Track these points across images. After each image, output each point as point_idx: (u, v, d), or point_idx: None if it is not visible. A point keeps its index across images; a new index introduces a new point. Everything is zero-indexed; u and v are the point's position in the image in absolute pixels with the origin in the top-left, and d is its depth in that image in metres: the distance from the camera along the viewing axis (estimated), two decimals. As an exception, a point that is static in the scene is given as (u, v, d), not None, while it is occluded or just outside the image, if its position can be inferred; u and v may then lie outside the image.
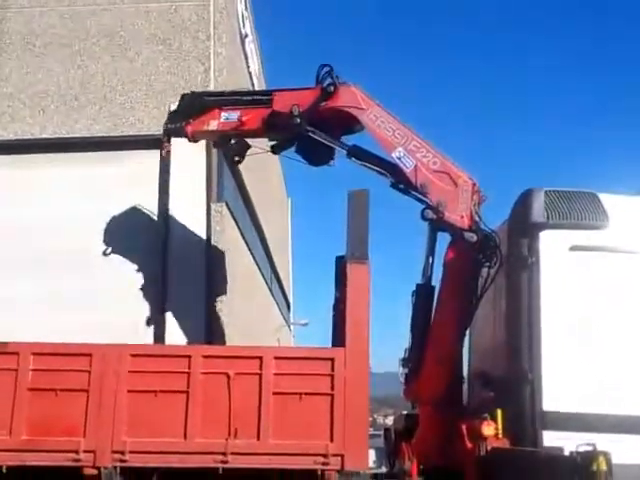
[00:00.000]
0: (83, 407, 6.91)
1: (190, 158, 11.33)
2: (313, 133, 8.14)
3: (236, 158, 9.23)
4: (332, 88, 8.02)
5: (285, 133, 8.51)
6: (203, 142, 10.95)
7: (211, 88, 11.30)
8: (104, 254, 10.62)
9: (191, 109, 8.75)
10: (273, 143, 9.02)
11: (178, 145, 11.21)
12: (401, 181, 7.83)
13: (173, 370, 7.04)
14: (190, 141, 8.97)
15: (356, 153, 8.19)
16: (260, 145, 9.31)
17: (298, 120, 8.07)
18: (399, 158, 7.74)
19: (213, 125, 8.59)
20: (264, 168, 18.95)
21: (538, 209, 7.22)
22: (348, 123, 8.30)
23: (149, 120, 11.28)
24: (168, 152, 9.00)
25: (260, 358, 7.02)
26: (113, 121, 11.66)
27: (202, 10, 12.22)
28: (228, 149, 9.16)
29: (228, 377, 6.95)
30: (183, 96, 9.07)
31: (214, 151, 11.61)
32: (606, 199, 7.30)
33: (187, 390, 6.94)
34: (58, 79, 11.99)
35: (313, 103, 8.09)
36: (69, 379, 6.99)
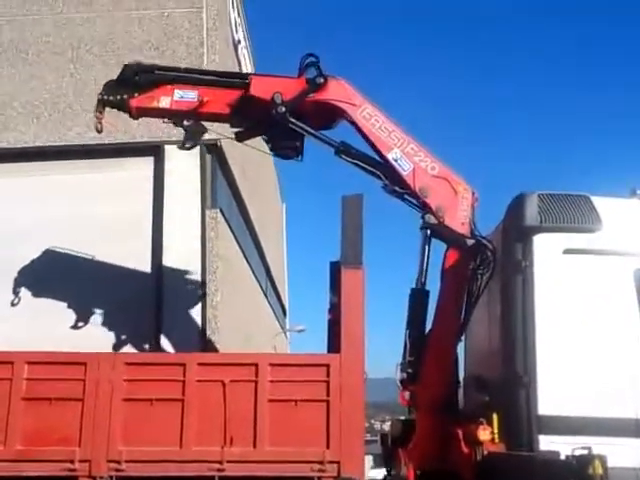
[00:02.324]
0: (78, 416, 6.86)
1: (184, 164, 11.36)
2: (294, 125, 7.69)
3: (188, 143, 8.22)
4: (322, 80, 7.62)
5: (258, 120, 7.93)
6: (197, 149, 10.99)
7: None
8: (98, 262, 10.63)
9: (136, 82, 7.98)
10: (238, 130, 8.45)
11: (173, 152, 11.31)
12: (396, 184, 7.62)
13: (168, 378, 6.99)
14: (131, 117, 8.27)
15: (346, 151, 7.79)
16: (224, 133, 8.66)
17: (283, 109, 7.57)
18: (395, 160, 7.53)
19: (164, 102, 7.87)
20: (259, 174, 18.97)
21: (532, 213, 7.19)
22: (329, 118, 7.92)
23: (143, 127, 11.29)
24: (101, 127, 8.15)
25: (255, 365, 6.98)
26: (107, 128, 11.67)
27: (195, 17, 12.27)
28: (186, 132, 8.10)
29: (223, 385, 6.91)
30: (126, 66, 8.22)
31: (208, 157, 11.65)
32: (599, 202, 7.29)
33: (182, 398, 6.90)
34: (51, 87, 12.02)
35: (299, 93, 7.62)
36: (64, 388, 6.94)
